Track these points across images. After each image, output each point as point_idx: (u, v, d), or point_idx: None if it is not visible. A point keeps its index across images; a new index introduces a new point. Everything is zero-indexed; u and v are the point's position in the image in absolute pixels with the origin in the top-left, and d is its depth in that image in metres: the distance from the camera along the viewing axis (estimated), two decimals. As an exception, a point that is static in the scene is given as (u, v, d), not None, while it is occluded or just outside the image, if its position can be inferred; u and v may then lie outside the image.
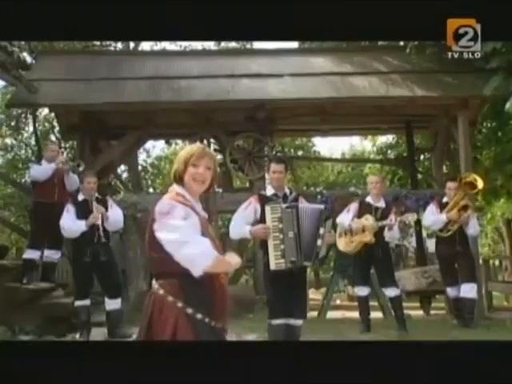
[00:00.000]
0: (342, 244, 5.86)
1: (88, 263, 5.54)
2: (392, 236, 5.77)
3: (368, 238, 5.65)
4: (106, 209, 5.70)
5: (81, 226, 5.49)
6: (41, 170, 6.39)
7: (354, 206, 5.94)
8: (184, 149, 2.43)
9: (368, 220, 5.71)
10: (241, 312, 6.55)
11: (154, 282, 2.28)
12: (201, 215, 2.31)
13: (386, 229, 5.68)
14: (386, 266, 5.91)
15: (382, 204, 5.91)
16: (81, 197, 5.70)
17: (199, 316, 2.18)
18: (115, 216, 5.78)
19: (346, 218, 5.86)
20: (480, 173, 7.12)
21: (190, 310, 2.17)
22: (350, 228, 5.76)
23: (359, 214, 5.84)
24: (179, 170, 2.33)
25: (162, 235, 2.17)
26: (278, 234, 4.14)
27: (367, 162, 15.93)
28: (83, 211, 5.55)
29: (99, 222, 5.56)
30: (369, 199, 5.97)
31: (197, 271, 2.13)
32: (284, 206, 4.18)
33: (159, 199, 2.31)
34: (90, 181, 5.68)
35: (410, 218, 5.75)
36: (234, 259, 2.29)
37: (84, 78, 8.09)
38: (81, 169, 6.43)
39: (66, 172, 6.41)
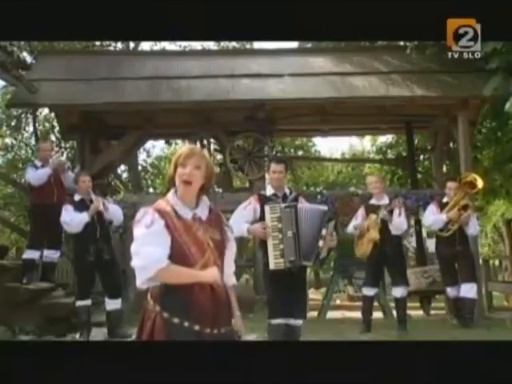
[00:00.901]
0: (357, 249, 5.95)
1: (91, 262, 5.56)
2: (396, 227, 5.79)
3: (373, 235, 5.72)
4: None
5: (84, 216, 5.51)
6: (36, 177, 6.33)
7: (360, 212, 6.03)
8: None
9: (371, 218, 5.77)
10: (241, 312, 6.54)
11: None
12: (184, 218, 2.21)
13: (389, 223, 5.71)
14: (396, 263, 5.94)
15: (385, 201, 5.96)
16: (77, 197, 5.70)
17: (176, 320, 2.15)
18: (114, 208, 5.84)
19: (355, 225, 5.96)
20: (480, 173, 7.12)
21: (165, 314, 2.16)
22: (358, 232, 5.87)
23: (367, 217, 5.90)
24: (170, 173, 2.28)
25: None
26: (277, 234, 4.13)
27: (367, 162, 15.95)
28: (81, 209, 5.56)
29: (101, 208, 5.58)
30: (372, 200, 6.06)
31: (138, 282, 2.19)
32: (283, 205, 4.17)
33: (159, 199, 2.30)
34: (84, 180, 5.71)
35: (397, 203, 5.79)
36: (207, 272, 2.18)
37: (84, 78, 8.09)
38: None
39: (62, 171, 6.42)
